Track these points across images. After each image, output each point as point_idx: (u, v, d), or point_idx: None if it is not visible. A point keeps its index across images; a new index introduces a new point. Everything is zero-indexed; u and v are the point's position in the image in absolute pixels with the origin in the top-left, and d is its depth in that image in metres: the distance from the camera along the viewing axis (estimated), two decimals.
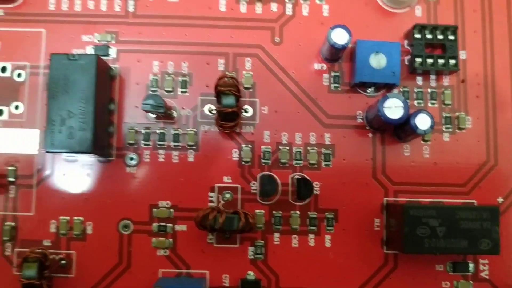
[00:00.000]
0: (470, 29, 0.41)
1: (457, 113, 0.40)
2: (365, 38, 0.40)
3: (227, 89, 0.36)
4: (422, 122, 0.37)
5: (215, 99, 0.39)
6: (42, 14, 0.41)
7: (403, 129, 0.38)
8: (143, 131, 0.39)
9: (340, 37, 0.37)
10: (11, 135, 0.40)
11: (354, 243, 0.39)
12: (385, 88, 0.40)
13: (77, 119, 0.36)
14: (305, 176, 0.39)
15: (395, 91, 0.40)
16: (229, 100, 0.36)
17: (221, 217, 0.36)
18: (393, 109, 0.37)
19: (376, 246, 0.39)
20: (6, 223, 0.39)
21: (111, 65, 0.40)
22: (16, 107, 0.40)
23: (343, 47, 0.37)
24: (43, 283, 0.36)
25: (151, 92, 0.39)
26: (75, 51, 0.40)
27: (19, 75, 0.40)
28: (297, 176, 0.39)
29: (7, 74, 0.40)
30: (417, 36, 0.40)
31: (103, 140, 0.38)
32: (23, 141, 0.40)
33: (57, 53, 0.37)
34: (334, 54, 0.39)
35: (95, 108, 0.36)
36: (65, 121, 0.36)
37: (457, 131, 0.40)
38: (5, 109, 0.40)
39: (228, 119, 0.37)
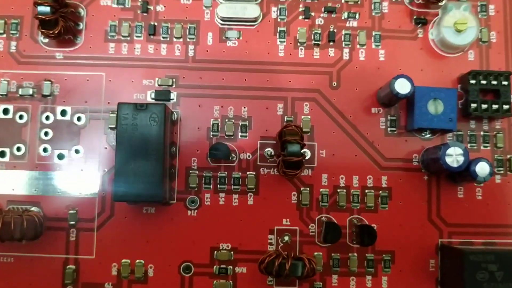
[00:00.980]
0: None
1: (508, 156, 0.41)
2: (419, 82, 0.41)
3: (293, 138, 0.37)
4: (482, 170, 0.37)
5: (273, 143, 0.40)
6: (102, 58, 0.41)
7: (461, 174, 0.39)
8: (204, 174, 0.40)
9: (403, 86, 0.38)
10: (72, 178, 0.40)
11: (410, 284, 0.40)
12: (440, 132, 0.41)
13: (146, 168, 0.36)
14: (365, 221, 0.40)
15: (451, 135, 0.41)
16: (294, 149, 0.37)
17: (287, 264, 0.36)
18: (454, 157, 0.37)
19: (431, 286, 0.40)
20: (68, 267, 0.40)
21: (173, 110, 0.40)
22: (77, 151, 0.40)
23: (406, 96, 0.38)
24: None
25: (219, 141, 0.40)
26: (136, 95, 0.41)
27: (78, 118, 0.41)
28: (355, 221, 0.40)
29: (67, 117, 0.41)
30: (472, 81, 0.41)
31: (166, 184, 0.39)
32: (84, 185, 0.40)
33: (125, 102, 0.37)
34: (394, 101, 0.40)
35: (164, 157, 0.37)
36: (133, 170, 0.36)
37: (508, 173, 0.41)
38: (65, 152, 0.40)
39: (293, 167, 0.38)
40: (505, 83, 0.41)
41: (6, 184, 0.40)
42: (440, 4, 0.42)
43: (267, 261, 0.37)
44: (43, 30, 0.39)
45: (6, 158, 0.40)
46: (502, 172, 0.41)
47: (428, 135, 0.41)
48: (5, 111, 0.41)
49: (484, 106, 0.41)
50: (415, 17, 0.42)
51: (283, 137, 0.37)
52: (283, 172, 0.38)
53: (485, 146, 0.41)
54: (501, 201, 0.41)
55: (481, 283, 0.37)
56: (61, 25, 0.39)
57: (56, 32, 0.39)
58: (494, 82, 0.41)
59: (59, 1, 0.39)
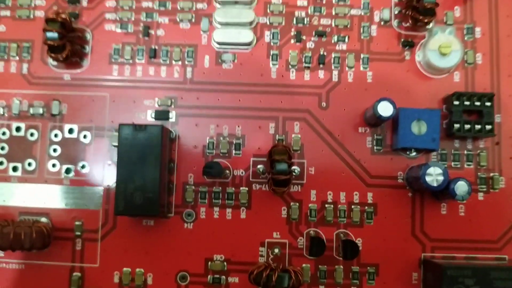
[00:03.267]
0: (505, 93, 0.44)
1: (491, 174, 0.43)
2: (406, 103, 0.43)
3: (281, 158, 0.39)
4: (461, 188, 0.39)
5: (265, 160, 0.42)
6: (106, 80, 0.44)
7: (442, 193, 0.41)
8: (200, 189, 0.43)
9: (385, 109, 0.40)
10: (78, 192, 0.43)
11: None
12: (425, 151, 0.43)
13: (145, 185, 0.39)
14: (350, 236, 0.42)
15: (435, 154, 0.43)
16: (282, 167, 0.39)
17: (274, 276, 0.39)
18: (434, 176, 0.39)
19: None
20: (74, 274, 0.43)
21: (171, 129, 0.43)
22: (83, 166, 0.44)
23: (388, 118, 0.40)
24: None
25: (213, 160, 0.42)
26: (138, 114, 0.44)
27: (84, 136, 0.44)
28: (341, 235, 0.42)
29: (74, 135, 0.44)
30: (456, 103, 0.42)
31: (163, 199, 0.41)
32: (89, 198, 0.43)
33: (125, 124, 0.40)
34: (379, 123, 0.42)
35: (161, 174, 0.39)
36: (134, 187, 0.39)
37: (491, 190, 0.43)
38: (72, 168, 0.44)
39: (281, 185, 0.40)
40: (488, 104, 0.43)
41: (18, 197, 0.44)
42: (427, 27, 0.44)
43: (256, 272, 0.40)
44: (52, 54, 0.43)
45: (18, 173, 0.44)
46: (484, 189, 0.43)
47: (413, 154, 0.43)
48: (17, 129, 0.44)
49: (467, 126, 0.42)
50: (402, 40, 0.44)
51: (272, 156, 0.40)
52: (272, 189, 0.41)
53: (468, 165, 0.43)
54: (484, 217, 0.43)
55: None
56: (68, 49, 0.43)
57: (64, 56, 0.42)
58: (478, 103, 0.43)
59: (66, 27, 0.42)
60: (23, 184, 0.44)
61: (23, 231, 0.40)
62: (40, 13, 0.45)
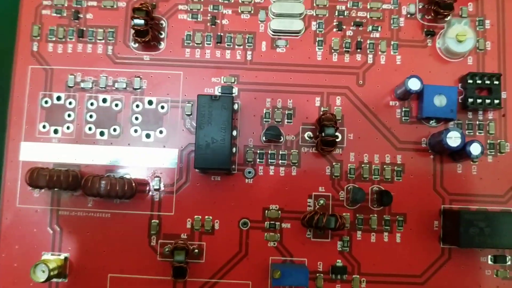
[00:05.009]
0: (510, 74, 0.53)
1: (499, 140, 0.52)
2: (428, 81, 0.52)
3: (330, 123, 0.48)
4: (475, 149, 0.48)
5: (312, 128, 0.51)
6: (180, 60, 0.53)
7: (459, 154, 0.50)
8: (258, 151, 0.52)
9: (414, 84, 0.49)
10: (157, 153, 0.52)
11: (419, 240, 0.51)
12: (444, 121, 0.52)
13: (218, 144, 0.48)
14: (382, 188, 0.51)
15: (452, 123, 0.52)
16: (330, 131, 0.48)
17: (325, 218, 0.48)
18: (453, 139, 0.48)
19: (434, 241, 0.51)
20: (153, 221, 0.51)
21: (235, 101, 0.52)
22: (160, 132, 0.52)
23: (417, 92, 0.49)
24: (187, 266, 0.49)
25: (272, 124, 0.51)
26: (206, 89, 0.52)
27: (162, 107, 0.52)
28: (375, 188, 0.51)
29: (153, 106, 0.52)
30: (470, 81, 0.51)
31: (231, 157, 0.50)
32: (166, 158, 0.52)
33: (203, 94, 0.49)
34: (407, 96, 0.51)
35: (231, 136, 0.48)
36: (210, 146, 0.48)
37: (498, 154, 0.52)
38: (152, 133, 0.52)
39: (329, 146, 0.49)
40: (496, 82, 0.52)
41: (105, 158, 0.52)
42: (445, 19, 0.53)
43: (309, 216, 0.49)
44: (137, 38, 0.51)
45: (105, 137, 0.52)
46: (493, 153, 0.52)
47: (434, 123, 0.52)
48: (104, 100, 0.53)
49: (479, 100, 0.51)
50: (425, 30, 0.53)
51: (322, 122, 0.49)
52: (321, 149, 0.50)
53: (479, 133, 0.52)
54: (492, 176, 0.52)
55: (473, 236, 0.48)
56: (150, 34, 0.51)
57: (146, 40, 0.51)
58: (488, 82, 0.52)
59: (149, 15, 0.51)
60: (109, 146, 0.52)
61: (117, 182, 0.48)
62: (122, 4, 0.54)
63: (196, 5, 0.53)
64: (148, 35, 0.51)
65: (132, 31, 0.51)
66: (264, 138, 0.50)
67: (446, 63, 0.53)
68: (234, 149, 0.51)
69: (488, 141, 0.52)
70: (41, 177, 0.48)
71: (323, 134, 0.49)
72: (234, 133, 0.51)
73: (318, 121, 0.50)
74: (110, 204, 0.51)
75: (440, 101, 0.51)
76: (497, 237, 0.48)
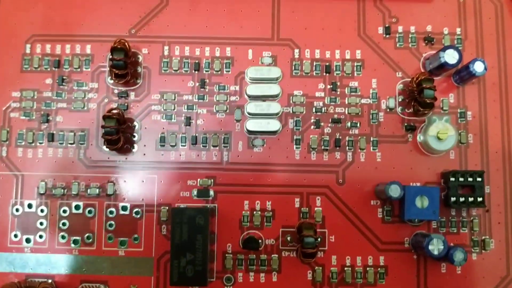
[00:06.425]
0: (493, 168, 0.52)
1: (483, 237, 0.51)
2: (409, 179, 0.51)
3: (308, 233, 0.47)
4: (458, 256, 0.47)
5: (293, 230, 0.50)
6: (154, 163, 0.51)
7: (442, 258, 0.49)
8: (237, 257, 0.50)
9: (394, 190, 0.48)
10: (132, 261, 0.50)
11: None
12: (427, 220, 0.51)
13: (194, 259, 0.46)
14: None
15: (434, 222, 0.51)
16: (309, 241, 0.47)
17: None
18: (435, 246, 0.47)
19: None
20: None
21: (211, 205, 0.50)
22: (135, 239, 0.51)
23: (398, 198, 0.48)
24: None
25: (248, 233, 0.50)
26: (182, 193, 0.51)
27: (136, 212, 0.51)
28: None
29: (127, 212, 0.51)
30: (452, 179, 0.50)
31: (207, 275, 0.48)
32: (141, 266, 0.50)
33: (176, 207, 0.47)
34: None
35: (208, 253, 0.47)
36: (185, 261, 0.46)
37: (483, 251, 0.51)
38: (126, 240, 0.51)
39: (309, 257, 0.48)
40: (479, 179, 0.51)
41: (79, 267, 0.50)
42: (425, 112, 0.52)
43: None
44: (108, 146, 0.50)
45: (78, 245, 0.51)
46: (477, 251, 0.51)
47: (416, 222, 0.51)
48: (77, 207, 0.51)
49: (461, 199, 0.50)
50: (405, 124, 0.52)
51: (301, 231, 0.47)
52: (301, 259, 0.48)
53: (463, 230, 0.51)
54: (477, 275, 0.51)
55: None
56: (122, 140, 0.50)
57: (118, 147, 0.49)
58: (470, 179, 0.51)
59: (120, 121, 0.49)
60: (83, 256, 0.51)
61: None
62: (93, 105, 0.52)
63: (169, 105, 0.52)
64: (120, 143, 0.49)
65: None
66: (244, 248, 0.49)
67: (427, 158, 0.52)
68: (212, 256, 0.50)
69: (473, 238, 0.51)
70: None
71: (302, 245, 0.47)
72: (212, 237, 0.50)
73: (298, 229, 0.48)
74: None
75: (422, 202, 0.49)
76: None
